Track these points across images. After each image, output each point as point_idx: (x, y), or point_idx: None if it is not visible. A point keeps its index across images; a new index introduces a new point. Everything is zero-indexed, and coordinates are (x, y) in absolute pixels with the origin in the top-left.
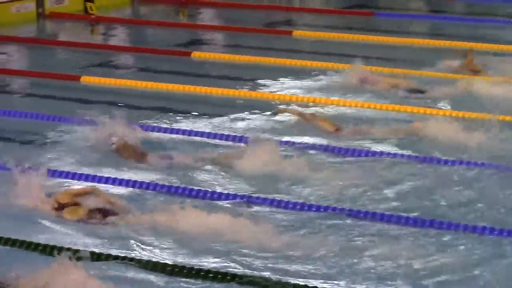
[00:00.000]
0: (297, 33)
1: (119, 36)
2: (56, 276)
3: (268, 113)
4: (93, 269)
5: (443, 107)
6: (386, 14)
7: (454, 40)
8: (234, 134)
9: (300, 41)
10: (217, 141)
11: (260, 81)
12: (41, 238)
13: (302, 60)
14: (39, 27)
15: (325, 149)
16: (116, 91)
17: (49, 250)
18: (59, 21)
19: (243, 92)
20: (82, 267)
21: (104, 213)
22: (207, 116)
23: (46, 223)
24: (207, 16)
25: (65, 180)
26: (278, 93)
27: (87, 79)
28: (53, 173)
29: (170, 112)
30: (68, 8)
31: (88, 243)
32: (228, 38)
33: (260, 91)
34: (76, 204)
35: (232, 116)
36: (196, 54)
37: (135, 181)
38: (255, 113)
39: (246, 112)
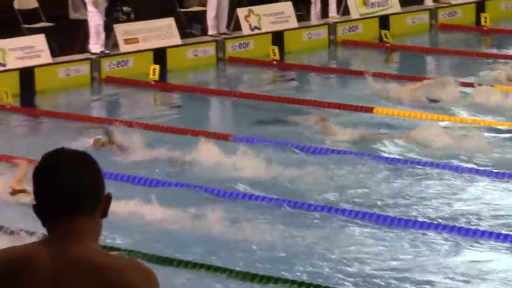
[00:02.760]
0: None
1: (413, 65)
2: None
3: None
4: None
5: None
6: None
7: None
8: None
9: None
10: None
11: None
12: None
13: None
14: (330, 54)
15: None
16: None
17: None
18: (351, 48)
19: None
20: None
21: None
22: None
23: None
24: None
25: None
26: None
27: (379, 110)
28: None
29: None
30: (361, 36)
31: None
32: None
33: None
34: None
35: None
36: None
37: None
38: None
39: None
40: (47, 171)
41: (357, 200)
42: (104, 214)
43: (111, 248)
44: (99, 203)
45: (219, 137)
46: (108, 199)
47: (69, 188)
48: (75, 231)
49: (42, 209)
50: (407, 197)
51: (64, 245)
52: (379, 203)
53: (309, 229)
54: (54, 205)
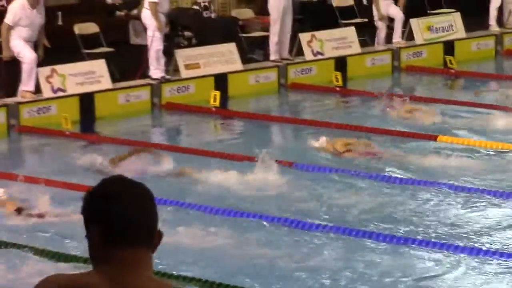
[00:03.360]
0: None
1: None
2: None
3: None
4: None
5: None
6: None
7: None
8: None
9: None
10: None
11: None
12: None
13: None
14: (394, 80)
15: None
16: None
17: None
18: (415, 74)
19: None
20: None
21: None
22: None
23: None
24: None
25: None
26: None
27: (443, 139)
28: None
29: None
30: (425, 61)
31: None
32: None
33: None
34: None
35: None
36: None
37: None
38: None
39: None
40: (109, 199)
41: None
42: (154, 249)
43: None
44: (154, 237)
45: (281, 163)
46: (159, 235)
47: (132, 218)
48: (133, 262)
49: (99, 238)
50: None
51: (123, 277)
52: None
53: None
54: (115, 235)
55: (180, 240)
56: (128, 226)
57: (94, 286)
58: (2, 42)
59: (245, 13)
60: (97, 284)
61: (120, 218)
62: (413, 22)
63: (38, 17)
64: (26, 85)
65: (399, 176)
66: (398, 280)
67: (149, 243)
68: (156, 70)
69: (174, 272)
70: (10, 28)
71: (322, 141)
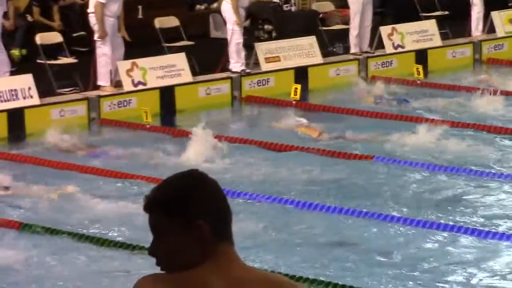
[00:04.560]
0: None
1: None
2: None
3: None
4: None
5: None
6: None
7: None
8: None
9: None
10: None
11: None
12: None
13: None
14: (475, 73)
15: None
16: None
17: None
18: (496, 67)
19: None
20: None
21: None
22: None
23: None
24: None
25: None
26: None
27: None
28: None
29: None
30: (507, 54)
31: None
32: None
33: None
34: None
35: None
36: None
37: None
38: None
39: None
40: (213, 193)
41: None
42: None
43: None
44: None
45: (361, 158)
46: None
47: (229, 211)
48: (235, 254)
49: (209, 232)
50: None
51: (234, 271)
52: None
53: None
54: (221, 229)
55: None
56: (230, 219)
57: (209, 285)
58: (98, 21)
59: (326, 6)
60: (211, 281)
61: (224, 211)
62: (494, 14)
63: None
64: (102, 80)
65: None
66: None
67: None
68: (236, 63)
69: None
70: (103, 5)
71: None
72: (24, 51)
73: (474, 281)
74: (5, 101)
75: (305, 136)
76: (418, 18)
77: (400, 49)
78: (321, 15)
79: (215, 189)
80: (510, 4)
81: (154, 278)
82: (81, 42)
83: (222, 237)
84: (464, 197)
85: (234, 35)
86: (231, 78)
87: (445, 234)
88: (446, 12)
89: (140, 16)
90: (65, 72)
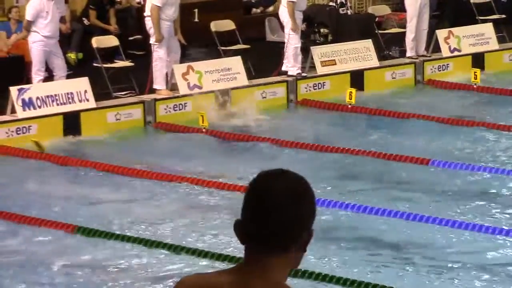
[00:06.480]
0: None
1: None
2: None
3: None
4: None
5: None
6: None
7: None
8: None
9: None
10: None
11: None
12: None
13: None
14: None
15: None
16: None
17: None
18: None
19: None
20: None
21: None
22: None
23: None
24: None
25: None
26: None
27: None
28: None
29: None
30: None
31: None
32: None
33: None
34: None
35: None
36: None
37: None
38: None
39: None
40: (258, 196)
41: None
42: (304, 249)
43: None
44: (299, 242)
45: (417, 161)
46: (310, 235)
47: (272, 224)
48: (264, 267)
49: (241, 231)
50: None
51: (250, 279)
52: None
53: None
54: (252, 236)
55: None
56: (266, 232)
57: (218, 285)
58: (154, 25)
59: (382, 9)
60: (221, 283)
61: (261, 221)
62: None
63: None
64: (158, 83)
65: None
66: None
67: (290, 248)
68: (293, 67)
69: None
70: (159, 9)
71: None
72: (80, 55)
73: None
74: (62, 104)
75: None
76: (475, 22)
77: (456, 53)
78: (377, 19)
79: (271, 195)
80: None
81: (196, 277)
82: (137, 46)
83: (253, 243)
84: None
85: (292, 39)
86: (286, 81)
87: None
88: (503, 16)
89: (196, 19)
90: (121, 75)
